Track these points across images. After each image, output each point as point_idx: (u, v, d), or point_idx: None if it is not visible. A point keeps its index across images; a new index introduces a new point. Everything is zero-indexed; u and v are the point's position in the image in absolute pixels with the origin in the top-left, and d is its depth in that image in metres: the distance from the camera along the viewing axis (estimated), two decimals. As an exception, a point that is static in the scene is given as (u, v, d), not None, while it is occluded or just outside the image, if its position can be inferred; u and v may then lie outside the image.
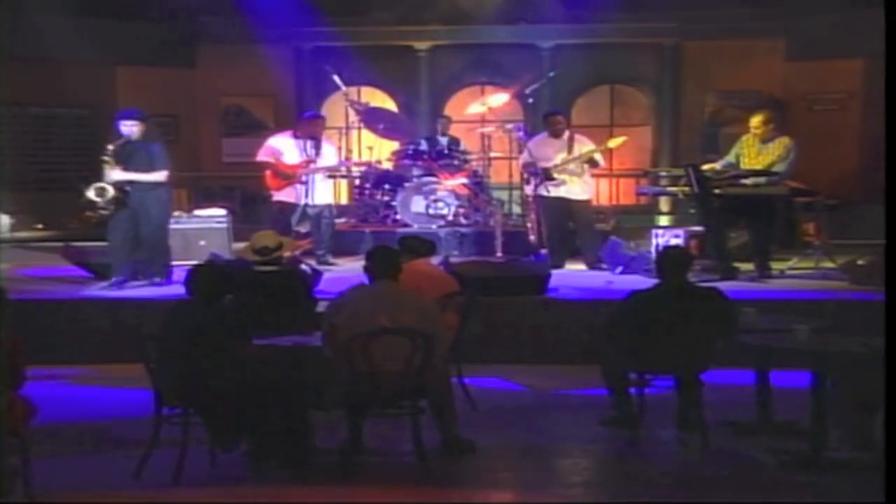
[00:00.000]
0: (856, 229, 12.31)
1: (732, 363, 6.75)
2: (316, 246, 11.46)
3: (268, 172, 11.47)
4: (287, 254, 7.62)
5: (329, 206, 11.63)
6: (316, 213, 11.41)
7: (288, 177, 11.33)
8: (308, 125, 11.61)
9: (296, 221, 11.44)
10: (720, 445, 6.28)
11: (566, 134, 11.25)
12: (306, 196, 11.25)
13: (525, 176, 11.59)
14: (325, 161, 11.46)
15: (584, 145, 11.19)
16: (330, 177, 11.73)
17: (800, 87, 15.71)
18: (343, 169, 12.65)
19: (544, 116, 11.83)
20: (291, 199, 11.36)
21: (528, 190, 11.53)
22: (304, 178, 11.24)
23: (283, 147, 11.42)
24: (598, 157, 11.15)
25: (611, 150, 12.29)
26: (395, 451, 6.24)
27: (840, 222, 11.67)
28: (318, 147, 11.43)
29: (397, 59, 16.36)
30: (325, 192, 11.53)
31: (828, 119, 15.50)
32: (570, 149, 11.08)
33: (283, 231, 10.74)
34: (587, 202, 11.33)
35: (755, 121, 10.21)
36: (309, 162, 11.30)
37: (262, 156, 11.57)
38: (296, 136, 11.47)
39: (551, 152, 11.12)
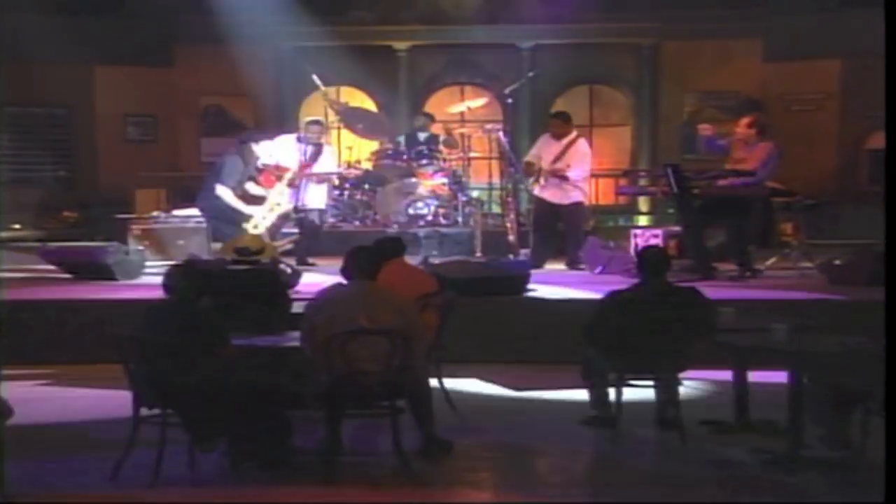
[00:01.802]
0: (833, 229, 12.40)
1: (711, 363, 6.77)
2: (298, 246, 11.45)
3: (264, 173, 11.48)
4: (266, 259, 7.62)
5: (319, 210, 11.62)
6: (304, 216, 11.40)
7: (282, 179, 11.31)
8: (307, 130, 11.63)
9: (283, 224, 11.44)
10: (698, 444, 6.29)
11: (568, 138, 11.20)
12: (298, 199, 11.25)
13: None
14: (321, 166, 11.47)
15: (575, 154, 11.12)
16: (323, 181, 11.72)
17: (777, 88, 15.79)
18: (336, 175, 12.64)
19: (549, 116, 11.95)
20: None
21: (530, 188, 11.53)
22: (297, 182, 11.23)
23: (284, 148, 11.44)
24: (569, 173, 11.12)
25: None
26: (374, 451, 6.23)
27: (817, 222, 11.74)
28: (317, 152, 11.45)
29: (377, 59, 16.35)
30: (317, 196, 11.54)
31: (805, 119, 15.59)
32: (562, 154, 11.08)
33: (270, 231, 10.84)
34: (574, 206, 11.25)
35: (740, 123, 10.34)
36: (305, 166, 11.30)
37: (264, 158, 11.56)
38: (298, 140, 11.51)
39: (546, 154, 11.18)
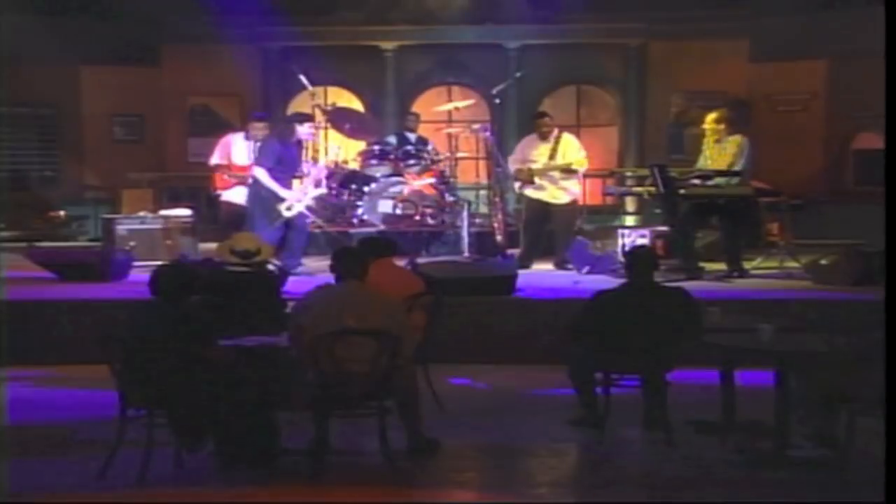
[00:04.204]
0: (819, 229, 12.42)
1: (697, 363, 6.79)
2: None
3: (216, 174, 11.40)
4: (262, 258, 7.61)
5: None
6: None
7: (236, 178, 11.20)
8: (251, 128, 11.48)
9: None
10: (685, 444, 6.31)
11: (553, 135, 11.26)
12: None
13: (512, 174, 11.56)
14: None
15: (569, 148, 11.19)
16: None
17: (764, 88, 15.82)
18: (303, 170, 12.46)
19: (532, 118, 11.87)
20: (239, 200, 11.21)
21: (517, 189, 11.48)
22: (250, 181, 11.10)
23: (234, 147, 11.33)
24: (576, 166, 11.21)
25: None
26: (361, 451, 6.24)
27: (804, 222, 11.77)
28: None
29: (364, 59, 16.33)
30: None
31: (791, 119, 15.62)
32: (554, 152, 11.11)
33: (234, 231, 10.75)
34: (567, 205, 11.30)
35: (709, 118, 10.37)
36: (252, 165, 11.15)
37: (216, 158, 11.47)
38: (247, 137, 11.37)
39: (534, 154, 11.17)
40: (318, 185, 11.07)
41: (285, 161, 10.42)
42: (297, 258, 10.64)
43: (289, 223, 11.17)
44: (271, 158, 10.37)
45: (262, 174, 10.34)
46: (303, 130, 10.56)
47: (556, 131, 11.34)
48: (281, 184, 10.34)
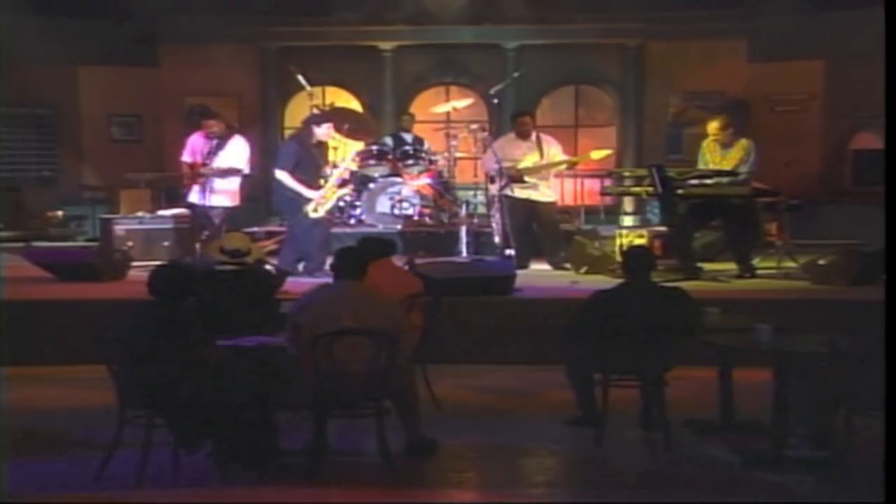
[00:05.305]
0: (817, 229, 12.44)
1: (696, 363, 6.79)
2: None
3: (184, 174, 11.39)
4: (251, 259, 7.60)
5: (224, 208, 11.18)
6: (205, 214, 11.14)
7: (198, 176, 11.13)
8: (204, 126, 11.36)
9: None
10: (683, 444, 6.31)
11: (533, 135, 11.27)
12: (203, 197, 11.05)
13: (490, 175, 11.54)
14: (223, 161, 11.13)
15: (552, 147, 11.23)
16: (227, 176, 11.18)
17: (762, 88, 15.83)
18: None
19: (512, 117, 11.82)
20: (195, 200, 11.17)
21: (494, 189, 11.44)
22: (202, 179, 11.04)
23: (192, 145, 11.28)
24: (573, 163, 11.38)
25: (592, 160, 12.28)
26: (360, 451, 6.24)
27: (802, 222, 11.77)
28: (219, 147, 11.15)
29: (362, 59, 16.35)
30: (221, 194, 11.14)
31: (789, 120, 15.63)
32: (540, 151, 11.12)
33: (197, 230, 10.75)
34: (553, 204, 11.41)
35: (713, 126, 10.30)
36: (205, 163, 11.08)
37: (185, 156, 11.40)
38: (206, 136, 11.28)
39: (518, 154, 11.14)
40: (342, 184, 11.05)
41: (305, 163, 10.45)
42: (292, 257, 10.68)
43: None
44: (291, 160, 10.43)
45: (284, 176, 10.40)
46: (321, 132, 10.59)
47: (534, 132, 11.34)
48: (305, 186, 10.40)
